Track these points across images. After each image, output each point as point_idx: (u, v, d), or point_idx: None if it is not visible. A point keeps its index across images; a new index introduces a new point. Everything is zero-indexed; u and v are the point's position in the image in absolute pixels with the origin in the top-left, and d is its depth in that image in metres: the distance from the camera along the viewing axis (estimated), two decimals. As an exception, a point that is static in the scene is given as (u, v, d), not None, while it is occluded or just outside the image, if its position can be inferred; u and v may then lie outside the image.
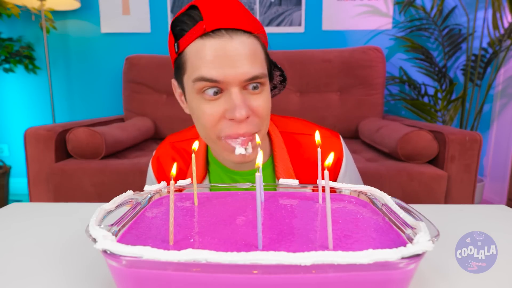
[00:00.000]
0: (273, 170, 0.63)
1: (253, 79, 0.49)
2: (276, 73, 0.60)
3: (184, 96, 0.56)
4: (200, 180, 0.63)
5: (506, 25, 1.92)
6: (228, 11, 0.48)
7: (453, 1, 2.09)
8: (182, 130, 0.72)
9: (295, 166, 0.62)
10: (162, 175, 0.67)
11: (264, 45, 0.53)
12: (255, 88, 0.50)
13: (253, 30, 0.50)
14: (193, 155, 0.40)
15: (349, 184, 0.67)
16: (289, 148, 0.63)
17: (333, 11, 2.14)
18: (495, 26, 1.91)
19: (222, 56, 0.47)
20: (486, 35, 2.00)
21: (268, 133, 0.64)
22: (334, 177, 0.64)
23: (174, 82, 0.58)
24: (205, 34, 0.48)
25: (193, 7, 0.50)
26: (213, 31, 0.47)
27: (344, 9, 2.13)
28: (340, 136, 0.66)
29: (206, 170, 0.64)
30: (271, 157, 0.64)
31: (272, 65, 0.57)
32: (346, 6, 2.13)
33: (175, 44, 0.51)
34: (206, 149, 0.65)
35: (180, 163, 0.66)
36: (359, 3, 2.12)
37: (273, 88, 0.63)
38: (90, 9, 2.20)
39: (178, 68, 0.53)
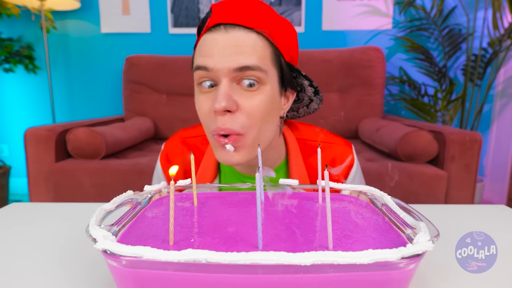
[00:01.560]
0: (286, 174, 0.63)
1: (243, 69, 0.47)
2: (304, 82, 0.57)
3: None
4: (211, 181, 0.62)
5: (506, 25, 1.92)
6: (233, 9, 0.49)
7: (453, 1, 2.09)
8: (194, 126, 0.70)
9: (309, 172, 0.62)
10: None
11: (274, 45, 0.50)
12: (251, 85, 0.48)
13: (256, 26, 0.49)
14: (191, 155, 0.40)
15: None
16: (304, 155, 0.63)
17: (333, 11, 2.14)
18: (495, 26, 1.91)
19: (214, 46, 0.48)
20: (486, 35, 2.00)
21: (284, 138, 0.63)
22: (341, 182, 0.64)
23: None
24: (208, 30, 0.50)
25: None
26: (213, 26, 0.49)
27: (344, 9, 2.13)
28: (353, 146, 0.67)
29: (216, 172, 0.63)
30: (285, 160, 0.63)
31: (296, 73, 0.55)
32: (346, 6, 2.13)
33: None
34: None
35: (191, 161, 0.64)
36: (359, 3, 2.12)
37: (309, 101, 0.61)
38: (90, 9, 2.20)
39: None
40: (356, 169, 0.65)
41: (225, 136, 0.49)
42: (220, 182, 0.64)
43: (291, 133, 0.64)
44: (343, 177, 0.64)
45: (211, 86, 0.50)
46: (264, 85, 0.49)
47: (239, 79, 0.48)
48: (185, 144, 0.67)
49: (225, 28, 0.48)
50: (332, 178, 0.63)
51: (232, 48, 0.47)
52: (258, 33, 0.49)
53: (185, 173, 0.66)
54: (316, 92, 0.58)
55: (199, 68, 0.49)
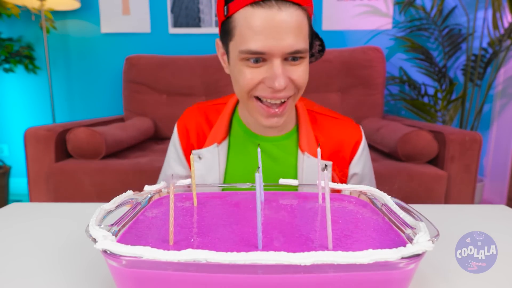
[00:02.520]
0: (296, 140, 0.66)
1: (295, 52, 0.52)
2: (316, 42, 0.63)
3: (227, 57, 0.58)
4: (220, 141, 0.66)
5: (506, 25, 1.92)
6: None
7: (453, 1, 2.09)
8: (216, 99, 0.75)
9: (317, 140, 0.66)
10: (185, 138, 0.70)
11: (310, 18, 0.55)
12: (295, 59, 0.53)
13: (302, 2, 0.51)
14: (191, 156, 0.40)
15: (353, 183, 0.68)
16: (312, 124, 0.67)
17: (333, 11, 2.14)
18: (495, 26, 1.90)
19: (270, 28, 0.49)
20: (486, 35, 2.00)
21: (295, 106, 0.68)
22: (350, 159, 0.67)
23: (218, 42, 0.61)
24: (255, 2, 0.50)
25: None
26: (263, 0, 0.49)
27: (344, 9, 2.13)
28: (361, 126, 0.71)
29: (227, 132, 0.67)
30: (296, 127, 0.67)
31: (313, 35, 0.60)
32: (346, 6, 2.13)
33: (225, 7, 0.53)
34: (232, 111, 0.68)
35: (204, 126, 0.69)
36: (359, 3, 2.12)
37: (311, 56, 0.65)
38: (90, 9, 2.20)
39: (225, 32, 0.55)
40: (363, 145, 0.68)
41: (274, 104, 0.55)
42: (229, 143, 0.67)
43: (302, 103, 0.69)
44: (350, 152, 0.67)
45: (258, 61, 0.52)
46: (305, 58, 0.55)
47: (287, 57, 0.53)
48: (200, 110, 0.72)
49: (277, 4, 0.49)
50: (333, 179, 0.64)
51: (288, 32, 0.50)
52: (302, 8, 0.52)
53: (197, 136, 0.69)
54: (321, 50, 0.64)
55: (253, 53, 0.51)
